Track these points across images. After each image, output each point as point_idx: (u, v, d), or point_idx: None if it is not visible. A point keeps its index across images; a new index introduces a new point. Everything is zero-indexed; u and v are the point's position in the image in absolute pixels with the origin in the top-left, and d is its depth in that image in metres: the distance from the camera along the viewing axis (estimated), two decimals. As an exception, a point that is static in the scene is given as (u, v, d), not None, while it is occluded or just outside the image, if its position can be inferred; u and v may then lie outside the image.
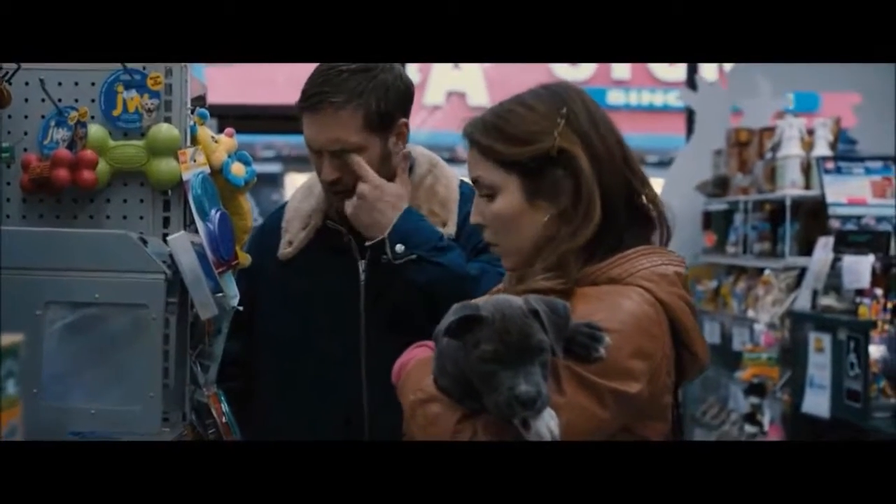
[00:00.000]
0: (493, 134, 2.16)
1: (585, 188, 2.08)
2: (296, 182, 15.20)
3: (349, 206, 2.73)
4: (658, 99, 17.28)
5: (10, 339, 1.38)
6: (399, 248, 2.69)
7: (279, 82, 13.79)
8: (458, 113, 17.11)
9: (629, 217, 2.12)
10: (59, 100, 2.41)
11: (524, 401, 1.83)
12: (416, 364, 2.11)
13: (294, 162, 15.13)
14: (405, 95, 2.81)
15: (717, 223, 7.70)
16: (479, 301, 1.96)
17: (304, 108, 2.75)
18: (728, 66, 13.74)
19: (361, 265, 2.81)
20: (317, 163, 2.78)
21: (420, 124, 16.57)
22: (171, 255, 2.25)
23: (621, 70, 17.39)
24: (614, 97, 16.51)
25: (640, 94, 17.24)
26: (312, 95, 2.73)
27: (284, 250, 2.89)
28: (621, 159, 2.12)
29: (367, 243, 2.74)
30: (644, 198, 2.15)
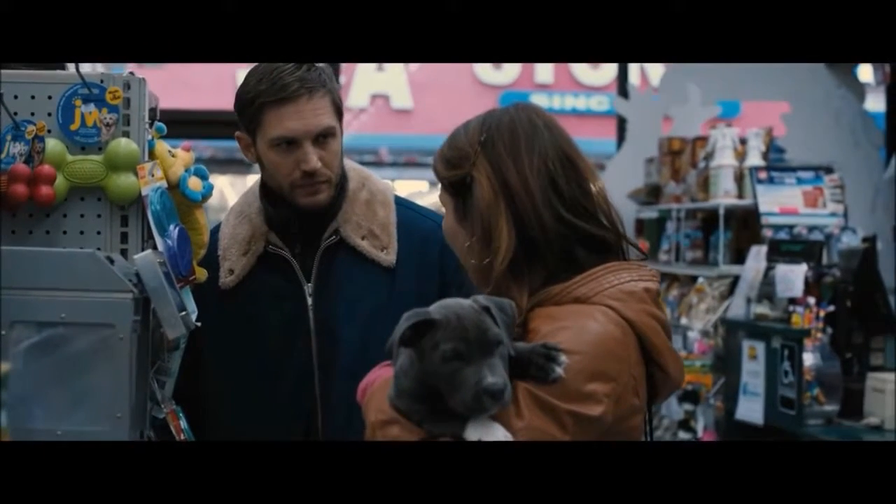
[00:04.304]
0: (438, 153, 2.20)
1: (482, 217, 2.09)
2: (217, 183, 15.21)
3: None
4: (581, 103, 17.43)
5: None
6: None
7: (202, 86, 13.71)
8: (381, 115, 17.13)
9: (575, 242, 2.09)
10: (16, 113, 2.35)
11: (493, 392, 1.84)
12: (381, 384, 2.09)
13: (215, 165, 15.06)
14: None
15: (649, 231, 7.76)
16: (428, 308, 1.95)
17: (279, 100, 2.68)
18: (652, 74, 13.90)
19: (308, 288, 2.78)
20: (292, 157, 2.71)
21: (345, 126, 16.49)
22: (137, 274, 2.22)
23: (544, 74, 17.52)
24: (537, 101, 16.63)
25: (563, 98, 17.39)
26: (284, 86, 2.68)
27: (226, 279, 2.82)
28: (544, 189, 2.08)
29: None
30: (590, 224, 2.11)
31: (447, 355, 1.88)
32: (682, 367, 2.15)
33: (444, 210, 2.25)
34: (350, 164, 2.90)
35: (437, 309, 1.94)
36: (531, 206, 2.07)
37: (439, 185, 2.20)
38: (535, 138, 2.11)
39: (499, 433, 1.88)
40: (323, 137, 2.71)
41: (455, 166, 2.14)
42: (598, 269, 2.07)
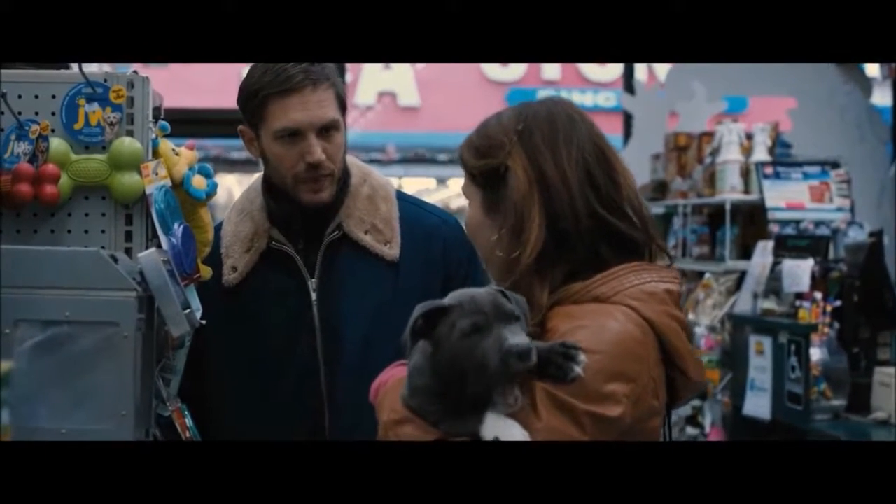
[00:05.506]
0: (466, 143, 2.17)
1: (515, 208, 2.05)
2: (224, 182, 15.22)
3: None
4: (588, 99, 17.43)
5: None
6: None
7: (206, 86, 13.74)
8: (388, 113, 17.13)
9: (602, 238, 2.06)
10: (20, 112, 2.35)
11: (518, 352, 1.81)
12: (394, 383, 2.06)
13: (223, 163, 15.09)
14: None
15: (656, 226, 7.75)
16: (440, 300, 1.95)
17: (284, 91, 2.68)
18: (658, 71, 13.88)
19: (312, 283, 2.77)
20: (296, 149, 2.70)
21: (352, 124, 16.57)
22: (140, 272, 2.22)
23: (552, 71, 17.52)
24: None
25: (570, 95, 17.39)
26: (289, 78, 2.67)
27: (229, 276, 2.81)
28: (581, 182, 2.05)
29: None
30: (621, 220, 2.07)
31: (466, 331, 1.86)
32: (703, 370, 2.10)
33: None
34: (351, 160, 2.89)
35: (449, 298, 1.93)
36: (567, 197, 2.04)
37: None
38: (574, 130, 2.09)
39: (516, 431, 1.85)
40: (327, 130, 2.71)
41: (486, 155, 2.11)
42: (620, 268, 2.04)
